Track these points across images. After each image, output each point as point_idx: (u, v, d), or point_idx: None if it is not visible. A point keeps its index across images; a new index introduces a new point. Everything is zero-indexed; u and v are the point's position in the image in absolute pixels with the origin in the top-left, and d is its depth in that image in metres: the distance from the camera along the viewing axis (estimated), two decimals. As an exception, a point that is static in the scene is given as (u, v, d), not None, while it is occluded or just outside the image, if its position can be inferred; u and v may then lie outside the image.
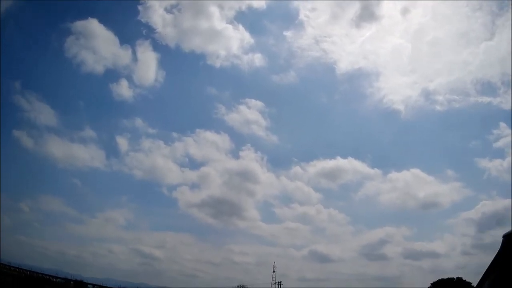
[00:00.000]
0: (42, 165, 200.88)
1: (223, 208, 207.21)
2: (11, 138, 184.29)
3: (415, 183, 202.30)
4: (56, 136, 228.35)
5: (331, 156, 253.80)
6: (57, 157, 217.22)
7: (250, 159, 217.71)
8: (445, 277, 74.98)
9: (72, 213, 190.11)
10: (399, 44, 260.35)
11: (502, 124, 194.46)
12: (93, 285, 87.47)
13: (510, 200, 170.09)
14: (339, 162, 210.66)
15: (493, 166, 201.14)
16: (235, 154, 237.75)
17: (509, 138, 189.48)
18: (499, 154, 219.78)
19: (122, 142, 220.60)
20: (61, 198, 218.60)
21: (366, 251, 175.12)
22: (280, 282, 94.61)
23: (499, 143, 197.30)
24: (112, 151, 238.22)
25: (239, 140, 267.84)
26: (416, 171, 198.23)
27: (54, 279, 78.56)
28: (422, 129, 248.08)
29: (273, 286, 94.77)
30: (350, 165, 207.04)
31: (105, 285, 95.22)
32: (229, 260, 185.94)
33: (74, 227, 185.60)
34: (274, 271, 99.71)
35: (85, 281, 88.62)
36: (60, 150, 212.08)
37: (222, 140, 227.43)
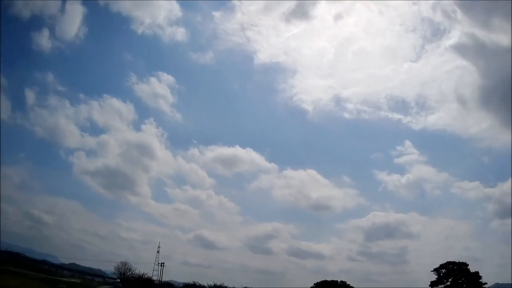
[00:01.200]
0: None
1: (116, 180, 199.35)
2: None
3: (309, 183, 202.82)
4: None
5: (231, 144, 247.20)
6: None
7: (150, 134, 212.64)
8: (329, 278, 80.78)
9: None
10: (323, 48, 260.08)
11: (407, 142, 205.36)
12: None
13: (402, 215, 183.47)
14: (238, 151, 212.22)
15: (391, 180, 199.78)
16: (137, 126, 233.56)
17: (411, 157, 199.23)
18: (399, 170, 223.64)
19: (30, 96, 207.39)
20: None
21: (252, 243, 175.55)
22: (163, 263, 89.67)
23: (400, 160, 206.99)
24: (18, 103, 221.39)
25: (144, 112, 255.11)
26: (312, 172, 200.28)
27: None
28: (326, 133, 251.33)
29: (156, 267, 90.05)
30: (248, 155, 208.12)
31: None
32: (116, 235, 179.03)
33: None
34: (158, 251, 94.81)
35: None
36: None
37: (127, 110, 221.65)
